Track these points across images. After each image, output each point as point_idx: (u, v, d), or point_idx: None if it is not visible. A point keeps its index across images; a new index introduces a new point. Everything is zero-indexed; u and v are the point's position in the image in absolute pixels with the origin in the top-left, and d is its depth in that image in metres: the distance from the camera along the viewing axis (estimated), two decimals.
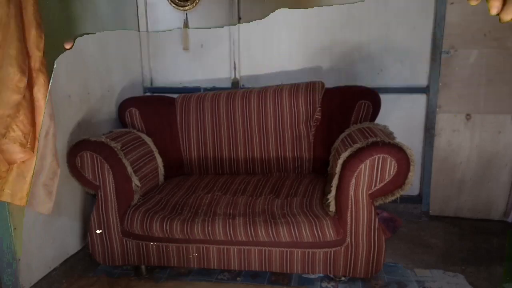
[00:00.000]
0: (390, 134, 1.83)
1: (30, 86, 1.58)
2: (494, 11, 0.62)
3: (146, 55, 2.77)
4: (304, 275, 1.96)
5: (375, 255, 1.75)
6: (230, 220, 1.79)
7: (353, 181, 1.68)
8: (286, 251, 1.81)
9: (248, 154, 2.38)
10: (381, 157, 1.64)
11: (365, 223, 1.73)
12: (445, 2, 2.34)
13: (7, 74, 1.48)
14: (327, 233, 1.73)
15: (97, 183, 1.88)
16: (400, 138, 1.80)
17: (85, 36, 2.14)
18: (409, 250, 2.21)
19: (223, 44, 2.66)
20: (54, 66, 1.82)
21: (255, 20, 2.61)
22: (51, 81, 1.65)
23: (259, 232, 1.75)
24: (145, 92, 2.80)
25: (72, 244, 2.07)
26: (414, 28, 2.43)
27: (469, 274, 1.95)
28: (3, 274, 1.72)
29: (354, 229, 1.74)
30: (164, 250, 1.90)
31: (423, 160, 2.58)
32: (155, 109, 2.42)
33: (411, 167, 1.65)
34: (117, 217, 1.92)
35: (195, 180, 2.25)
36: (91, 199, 2.14)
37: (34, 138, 1.62)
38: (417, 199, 2.64)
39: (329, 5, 2.47)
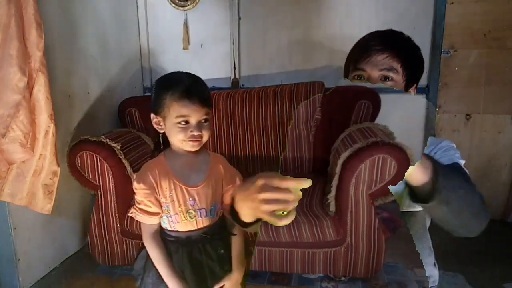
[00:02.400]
0: (390, 134, 1.83)
1: (30, 86, 1.58)
2: None
3: (146, 55, 2.77)
4: (304, 275, 1.96)
5: (375, 255, 1.75)
6: None
7: (353, 181, 1.68)
8: (286, 251, 1.81)
9: (248, 154, 2.37)
10: (381, 157, 1.64)
11: (365, 223, 1.73)
12: (445, 2, 2.34)
13: (7, 74, 1.48)
14: (327, 233, 1.72)
15: (97, 183, 1.88)
16: (400, 138, 1.79)
17: (85, 36, 2.14)
18: (409, 250, 2.19)
19: (223, 44, 2.66)
20: (54, 66, 1.82)
21: (255, 20, 2.61)
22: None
23: (259, 232, 1.75)
24: (145, 92, 2.80)
25: (71, 244, 2.07)
26: (414, 28, 2.43)
27: (469, 274, 1.95)
28: (3, 274, 1.72)
29: (354, 229, 1.74)
30: None
31: None
32: None
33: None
34: (117, 217, 1.91)
35: None
36: (91, 199, 2.13)
37: (34, 138, 1.62)
38: None
39: (329, 5, 2.47)
